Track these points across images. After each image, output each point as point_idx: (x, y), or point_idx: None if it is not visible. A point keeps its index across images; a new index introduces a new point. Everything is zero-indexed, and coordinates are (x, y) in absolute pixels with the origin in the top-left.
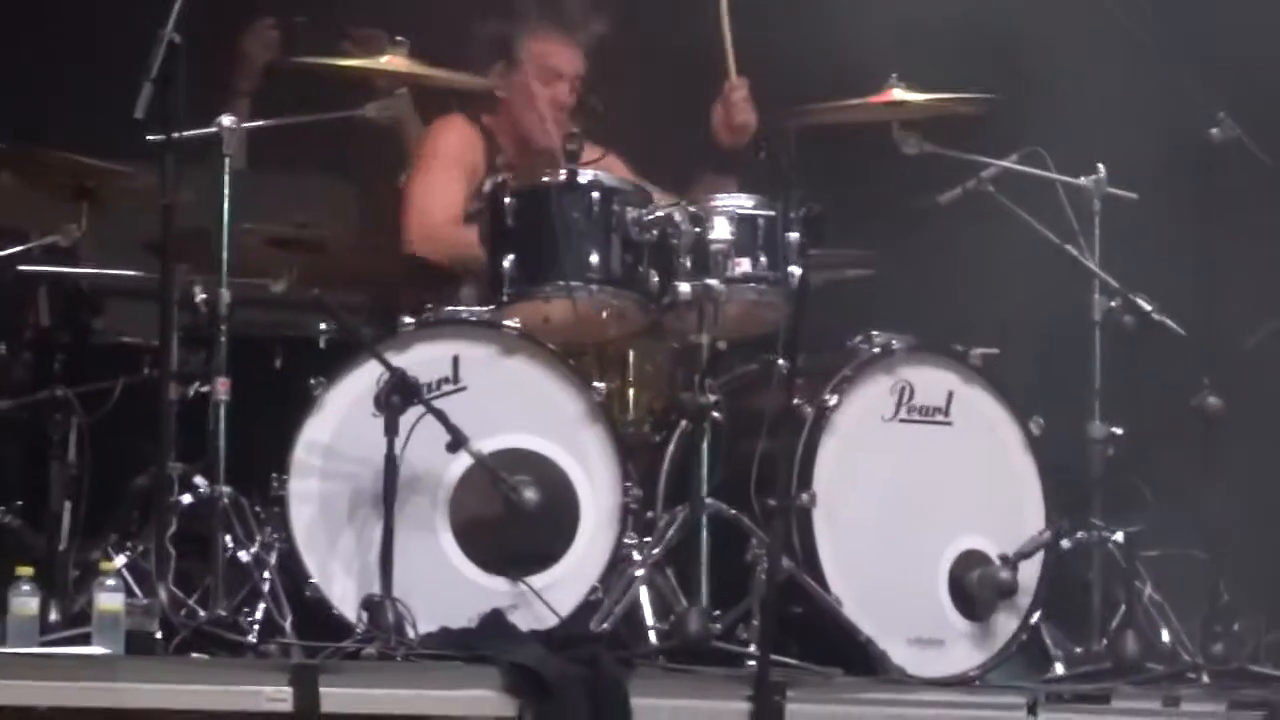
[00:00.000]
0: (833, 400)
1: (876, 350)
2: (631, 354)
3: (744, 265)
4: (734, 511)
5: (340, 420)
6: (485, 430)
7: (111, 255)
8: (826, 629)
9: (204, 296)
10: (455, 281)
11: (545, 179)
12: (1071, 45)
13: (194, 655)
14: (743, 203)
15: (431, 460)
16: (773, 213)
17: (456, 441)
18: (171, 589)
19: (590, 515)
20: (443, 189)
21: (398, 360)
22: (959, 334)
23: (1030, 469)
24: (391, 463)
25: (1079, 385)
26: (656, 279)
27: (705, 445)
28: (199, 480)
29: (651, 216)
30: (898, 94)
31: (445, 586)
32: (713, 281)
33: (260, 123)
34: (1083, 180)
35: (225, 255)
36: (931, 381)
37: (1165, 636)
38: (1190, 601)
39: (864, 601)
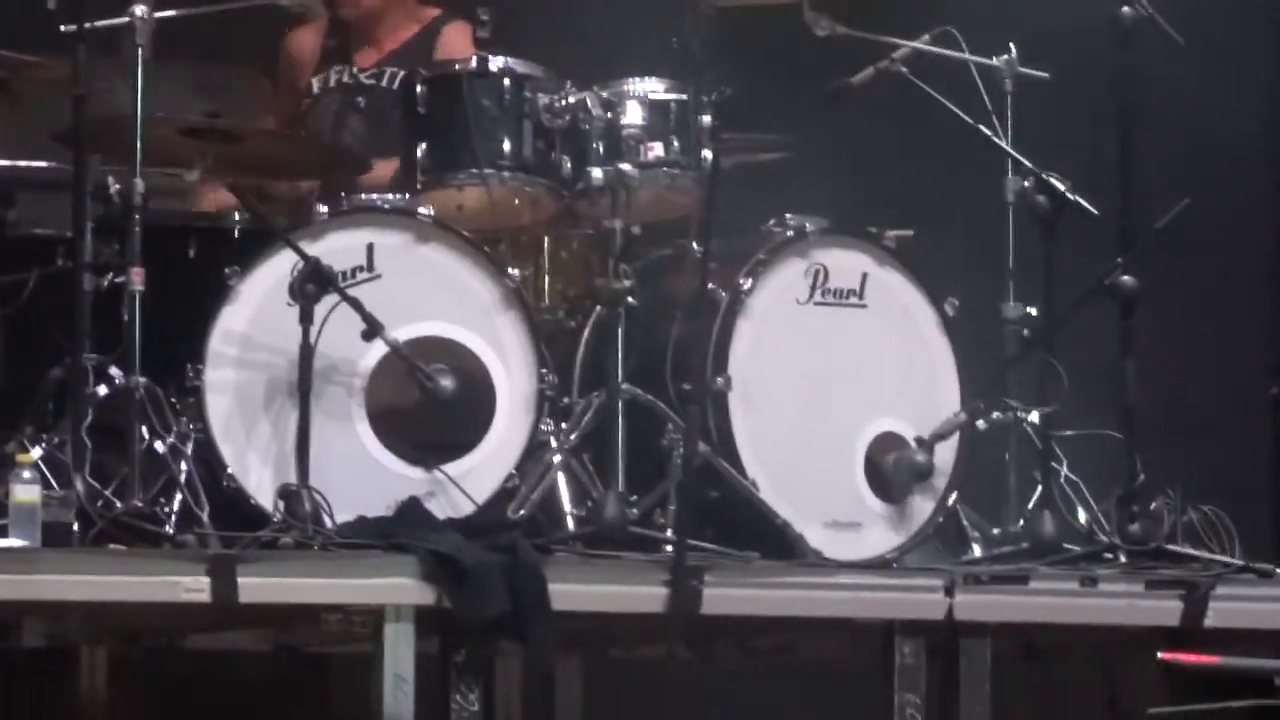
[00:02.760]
0: (747, 284)
1: (790, 233)
2: (546, 241)
3: (656, 150)
4: (650, 396)
5: (255, 309)
6: (400, 318)
7: (23, 147)
8: (743, 513)
9: (117, 187)
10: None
11: (457, 66)
12: None
13: (111, 547)
14: (655, 87)
15: (347, 349)
16: (685, 97)
17: (372, 330)
18: (88, 480)
19: (506, 402)
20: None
21: (312, 249)
22: (873, 216)
23: (945, 351)
24: (307, 352)
25: (993, 266)
26: (569, 165)
27: (620, 331)
28: (114, 371)
29: (563, 102)
30: None
31: (362, 475)
32: (625, 166)
33: (173, 12)
34: (994, 60)
35: (139, 145)
36: (845, 264)
37: (1082, 517)
38: (1107, 481)
39: (780, 485)
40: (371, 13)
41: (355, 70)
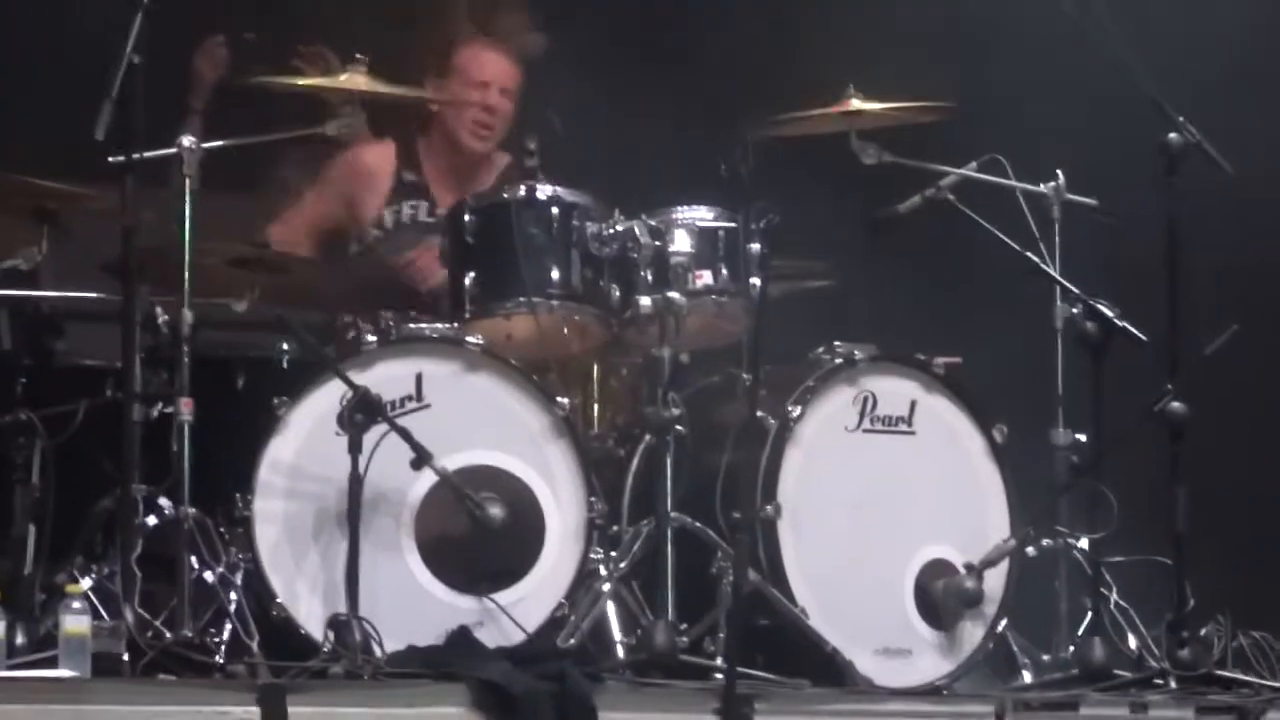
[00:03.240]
0: (796, 411)
1: (839, 361)
2: (595, 369)
3: (705, 278)
4: (699, 525)
5: (304, 439)
6: (449, 447)
7: (72, 277)
8: (793, 640)
9: (166, 317)
10: (417, 298)
11: (505, 194)
12: (1029, 52)
13: (161, 677)
14: (703, 215)
15: (396, 478)
16: (733, 225)
17: (421, 459)
18: (138, 610)
19: (555, 531)
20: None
21: (360, 378)
22: (921, 343)
23: (994, 477)
24: (356, 481)
25: (1042, 392)
26: (618, 293)
27: (669, 459)
28: (164, 501)
29: (611, 230)
30: (855, 104)
31: (411, 604)
32: (673, 294)
33: (222, 142)
34: (1042, 187)
35: (187, 276)
36: (894, 391)
37: (1132, 643)
38: (1156, 607)
39: (830, 612)
40: (480, 155)
41: (437, 209)
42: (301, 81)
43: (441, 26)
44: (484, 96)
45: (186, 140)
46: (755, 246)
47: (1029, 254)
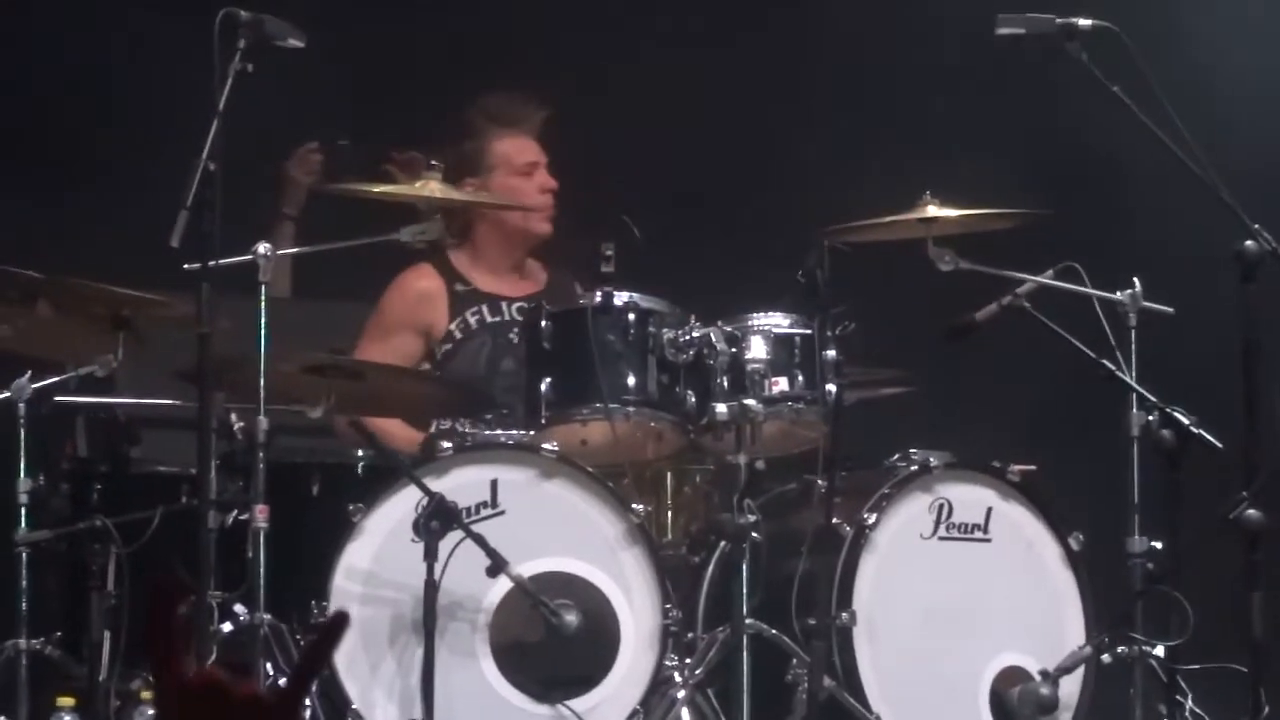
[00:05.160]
0: (871, 519)
1: (914, 468)
2: (670, 475)
3: (781, 384)
4: (774, 632)
5: (379, 546)
6: (524, 554)
7: (148, 384)
8: None
9: (241, 424)
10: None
11: (581, 300)
12: (1106, 159)
13: None
14: (779, 322)
15: (471, 585)
16: (809, 331)
17: (496, 566)
18: None
19: (630, 637)
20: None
21: (436, 485)
22: (997, 450)
23: (1070, 584)
24: (431, 588)
25: (1118, 500)
26: (693, 400)
27: (744, 566)
28: (239, 608)
29: (687, 337)
30: (931, 210)
31: (487, 711)
32: (749, 401)
33: (293, 250)
34: (1118, 295)
35: (263, 382)
36: (970, 498)
37: None
38: (1232, 715)
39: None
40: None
41: (505, 305)
42: (374, 189)
43: (464, 129)
44: (541, 180)
45: (261, 247)
46: (831, 353)
47: (1105, 361)
